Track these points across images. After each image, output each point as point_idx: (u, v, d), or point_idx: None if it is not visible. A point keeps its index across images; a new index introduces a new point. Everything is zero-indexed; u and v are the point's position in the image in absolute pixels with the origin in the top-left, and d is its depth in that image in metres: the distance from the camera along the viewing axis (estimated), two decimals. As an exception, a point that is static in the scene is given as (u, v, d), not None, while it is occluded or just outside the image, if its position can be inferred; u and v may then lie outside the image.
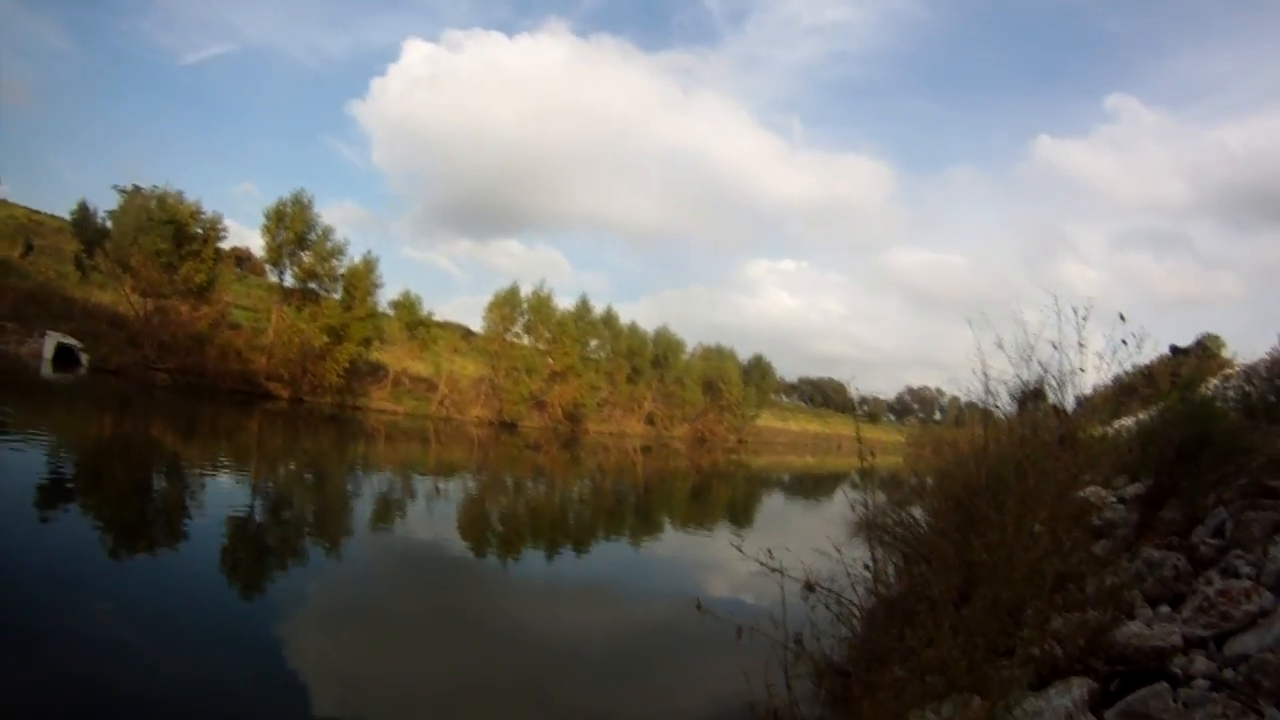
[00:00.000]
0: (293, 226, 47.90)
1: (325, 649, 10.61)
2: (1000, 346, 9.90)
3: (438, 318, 60.84)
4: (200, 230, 45.47)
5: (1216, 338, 50.19)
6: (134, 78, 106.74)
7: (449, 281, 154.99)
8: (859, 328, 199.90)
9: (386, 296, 53.76)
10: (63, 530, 13.65)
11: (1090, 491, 10.08)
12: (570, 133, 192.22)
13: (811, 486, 49.31)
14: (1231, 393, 12.78)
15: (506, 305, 58.97)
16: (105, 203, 49.48)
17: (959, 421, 16.19)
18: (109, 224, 46.59)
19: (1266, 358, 23.81)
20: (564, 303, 63.32)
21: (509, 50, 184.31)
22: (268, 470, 24.94)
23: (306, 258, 48.70)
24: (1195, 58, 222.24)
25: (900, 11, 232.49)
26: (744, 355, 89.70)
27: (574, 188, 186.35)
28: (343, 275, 50.05)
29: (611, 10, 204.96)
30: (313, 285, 49.25)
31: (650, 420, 71.46)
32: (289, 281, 49.18)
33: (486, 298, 60.17)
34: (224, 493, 19.42)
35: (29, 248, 50.04)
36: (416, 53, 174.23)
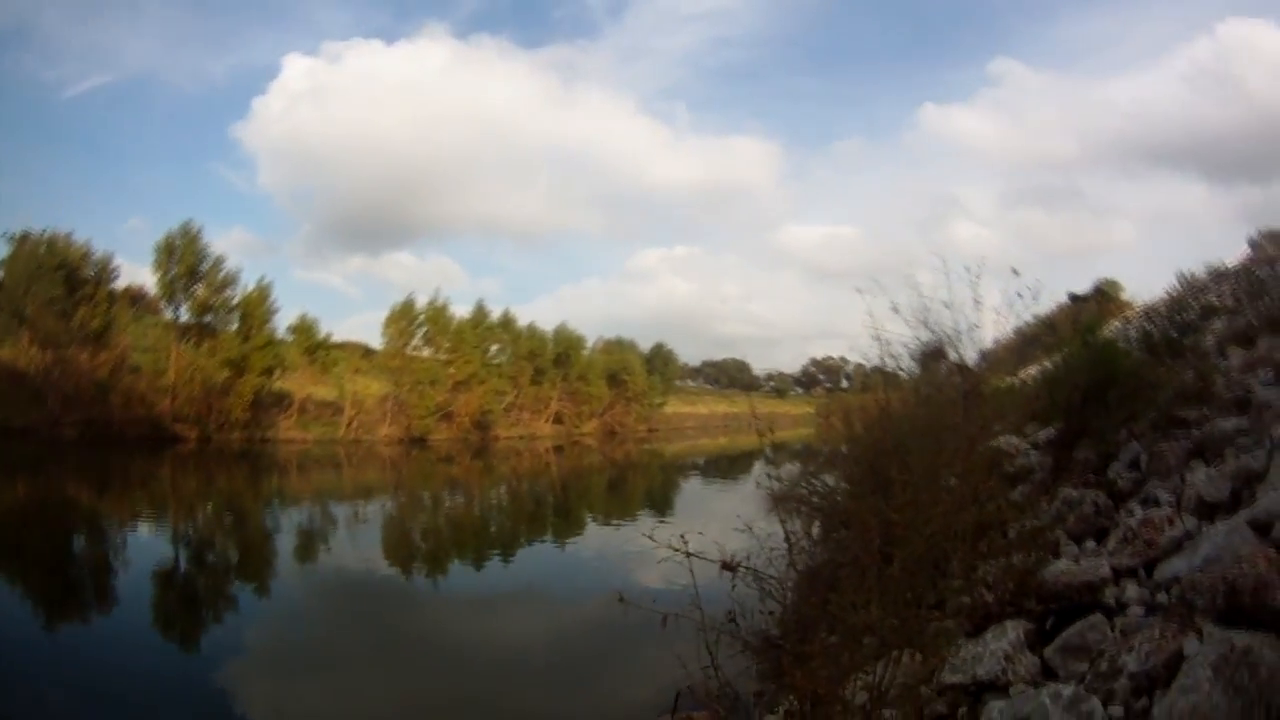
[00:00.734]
0: (184, 260, 46.51)
1: (267, 694, 10.34)
2: (896, 311, 10.01)
3: (336, 338, 59.71)
4: (92, 273, 44.13)
5: (1114, 282, 51.83)
6: (15, 115, 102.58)
7: (344, 300, 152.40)
8: (758, 306, 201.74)
9: (283, 322, 52.77)
10: None
11: (1002, 441, 10.25)
12: (455, 137, 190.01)
13: (726, 466, 49.72)
14: (1133, 333, 13.20)
15: (403, 319, 58.09)
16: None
17: (865, 387, 16.39)
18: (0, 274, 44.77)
19: (1165, 296, 24.69)
20: (461, 311, 62.71)
21: (389, 58, 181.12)
22: (185, 517, 24.31)
23: (200, 290, 47.40)
24: (1076, 19, 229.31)
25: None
26: (645, 345, 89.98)
27: (462, 193, 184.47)
28: (237, 305, 48.85)
29: (490, 10, 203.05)
30: (208, 318, 47.99)
31: (559, 419, 71.16)
32: (184, 317, 47.83)
33: (383, 314, 59.00)
34: (145, 546, 19.02)
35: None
36: (296, 68, 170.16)
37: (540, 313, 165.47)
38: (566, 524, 27.17)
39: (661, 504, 32.89)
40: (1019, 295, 8.31)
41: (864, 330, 10.07)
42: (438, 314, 59.48)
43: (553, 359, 69.77)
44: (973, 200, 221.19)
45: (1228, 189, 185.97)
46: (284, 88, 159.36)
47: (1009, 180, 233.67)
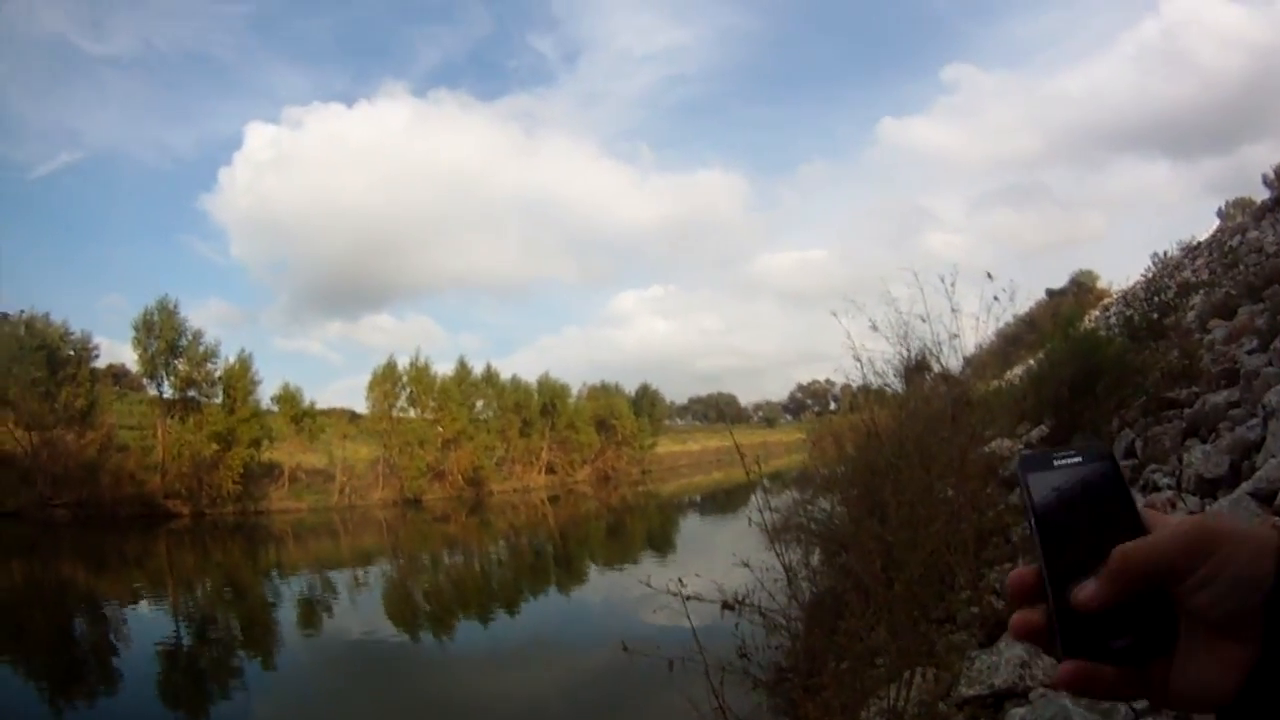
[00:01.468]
0: (163, 335, 46.12)
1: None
2: (875, 328, 9.99)
3: (321, 405, 59.25)
4: (72, 352, 43.79)
5: (1090, 273, 52.42)
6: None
7: (326, 367, 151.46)
8: (738, 338, 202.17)
9: (267, 393, 52.27)
10: None
11: (995, 445, 10.21)
12: (422, 194, 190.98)
13: (723, 500, 49.51)
14: (1114, 319, 13.24)
15: (387, 381, 57.82)
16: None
17: (853, 408, 16.33)
18: (-20, 358, 44.33)
19: (1142, 278, 24.86)
20: (443, 369, 62.40)
21: (350, 120, 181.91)
22: (185, 593, 24.09)
23: (181, 365, 46.85)
24: (1023, 18, 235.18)
25: (730, 27, 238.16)
26: (630, 388, 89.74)
27: (435, 250, 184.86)
28: (220, 378, 48.39)
29: (446, 65, 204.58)
30: (192, 393, 47.43)
31: (551, 469, 70.76)
32: (168, 393, 47.33)
33: (366, 378, 58.71)
34: (147, 624, 18.89)
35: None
36: (258, 137, 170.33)
37: (522, 365, 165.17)
38: (568, 574, 27.02)
39: (661, 544, 32.77)
40: (996, 298, 8.31)
41: (846, 351, 10.05)
42: (420, 374, 59.26)
43: (539, 409, 69.49)
44: (941, 208, 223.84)
45: (1191, 164, 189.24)
46: (248, 157, 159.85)
47: (975, 184, 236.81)
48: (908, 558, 5.30)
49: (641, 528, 41.73)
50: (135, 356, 47.45)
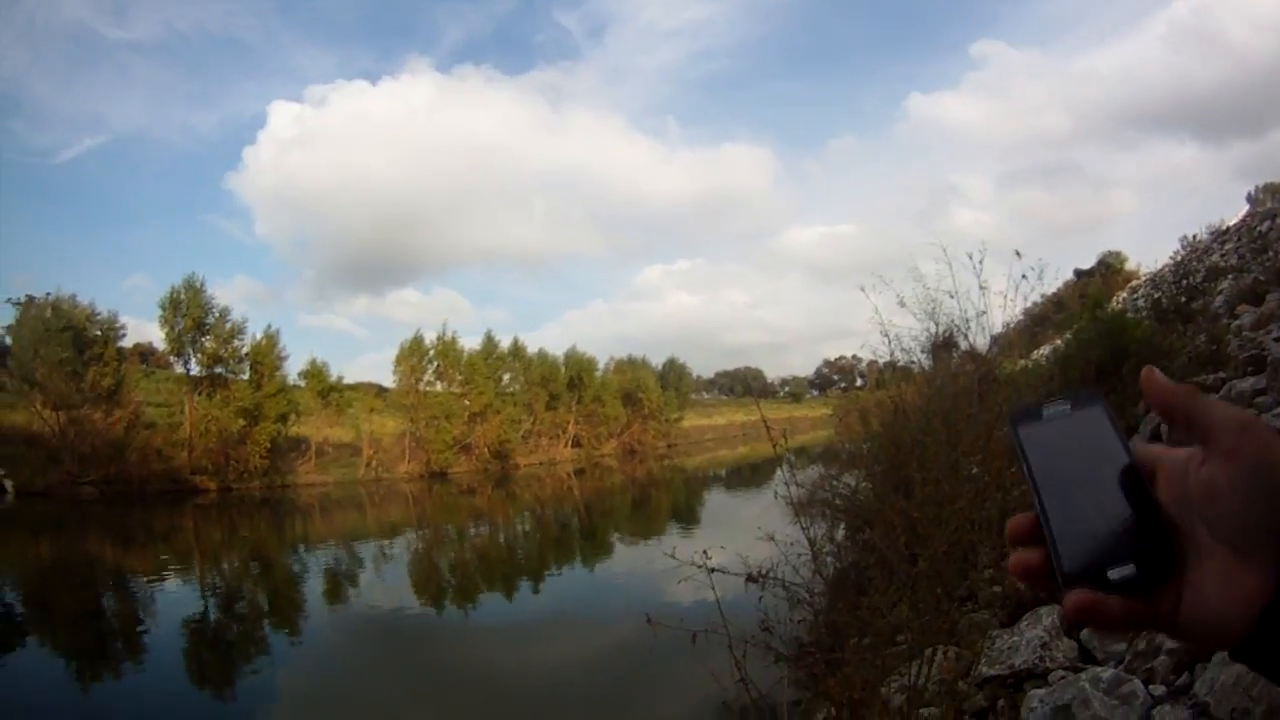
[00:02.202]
0: (189, 313, 46.33)
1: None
2: (902, 304, 9.97)
3: (348, 380, 59.41)
4: (99, 333, 44.12)
5: (1118, 254, 51.90)
6: (11, 183, 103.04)
7: (353, 342, 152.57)
8: (766, 312, 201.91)
9: (294, 368, 52.54)
10: (21, 666, 13.38)
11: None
12: (448, 169, 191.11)
13: (748, 475, 49.52)
14: (1141, 301, 13.13)
15: (414, 355, 57.96)
16: (-1, 318, 47.24)
17: (879, 384, 16.29)
18: (7, 340, 45.14)
19: (1170, 261, 24.60)
20: (469, 343, 62.50)
21: (374, 97, 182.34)
22: (212, 567, 24.33)
23: (208, 343, 47.06)
24: None
25: (756, 1, 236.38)
26: (657, 361, 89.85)
27: (461, 225, 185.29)
28: (247, 354, 48.54)
29: (470, 41, 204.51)
30: (219, 369, 47.65)
31: (577, 442, 70.88)
32: (195, 370, 47.51)
33: (393, 352, 58.93)
34: (174, 598, 19.03)
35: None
36: (283, 115, 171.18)
37: (549, 339, 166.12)
38: (593, 547, 27.11)
39: (686, 518, 32.80)
40: (1024, 276, 8.26)
41: (873, 327, 10.03)
42: (448, 348, 59.38)
43: (566, 383, 69.57)
44: (970, 186, 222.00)
45: (1220, 147, 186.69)
46: (272, 136, 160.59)
47: (1004, 162, 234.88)
48: (932, 535, 5.29)
49: (667, 501, 41.82)
50: (162, 335, 47.81)
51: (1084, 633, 4.51)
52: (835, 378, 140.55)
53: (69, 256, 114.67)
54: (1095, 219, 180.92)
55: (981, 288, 8.95)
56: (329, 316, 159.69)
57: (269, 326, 51.61)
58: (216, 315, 47.74)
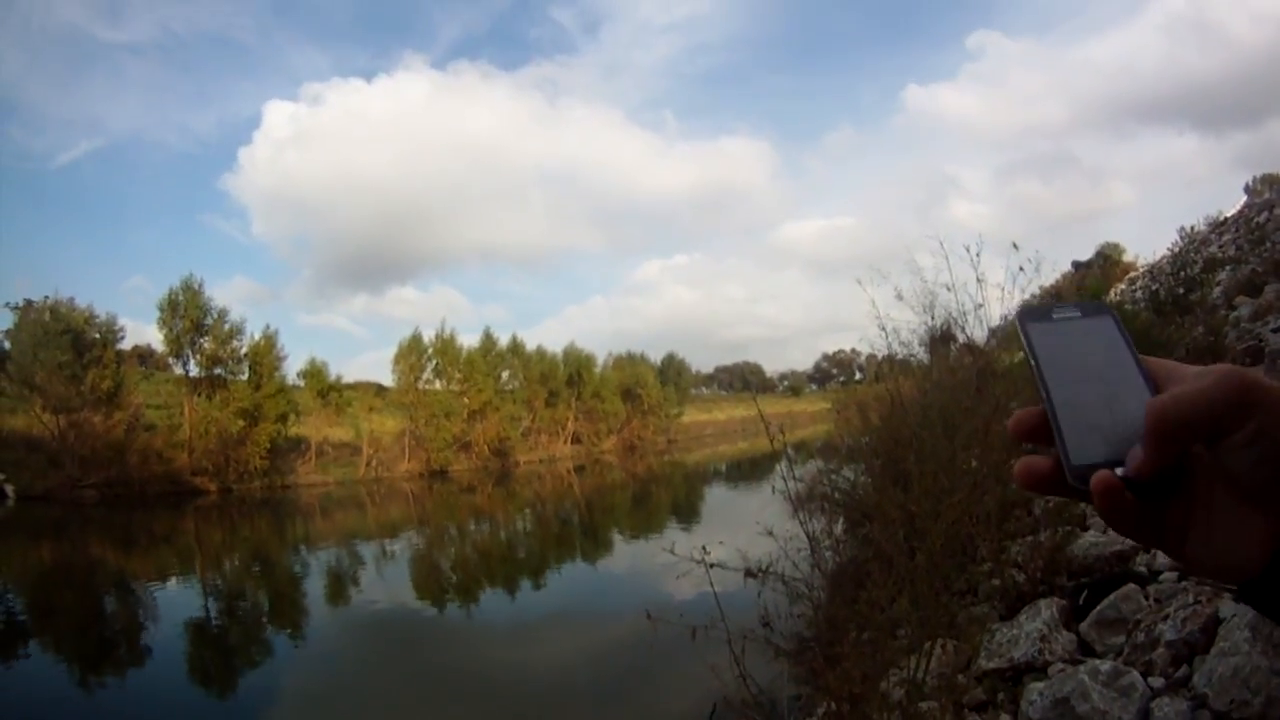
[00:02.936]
0: (188, 314, 46.25)
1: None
2: (900, 298, 9.98)
3: (347, 379, 59.26)
4: (98, 335, 44.08)
5: (1116, 245, 51.89)
6: (9, 188, 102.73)
7: (351, 341, 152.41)
8: (764, 307, 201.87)
9: (293, 368, 52.57)
10: (24, 670, 13.41)
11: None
12: (445, 166, 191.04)
13: (748, 469, 49.57)
14: (1139, 293, 13.14)
15: (412, 354, 57.98)
16: (-2, 322, 47.43)
17: (878, 377, 16.31)
18: (6, 344, 45.09)
19: (1168, 253, 24.62)
20: (469, 340, 62.55)
21: (370, 95, 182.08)
22: (214, 568, 24.33)
23: (207, 344, 47.00)
24: None
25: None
26: (656, 357, 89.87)
27: (459, 222, 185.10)
28: (246, 355, 48.53)
29: (466, 37, 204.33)
30: (218, 370, 47.61)
31: (577, 439, 70.90)
32: (194, 371, 47.48)
33: (392, 350, 58.95)
34: (176, 600, 19.12)
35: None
36: (278, 114, 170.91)
37: (547, 335, 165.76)
38: (593, 543, 27.15)
39: (686, 513, 32.86)
40: (1021, 269, 8.27)
41: (871, 321, 10.03)
42: (446, 346, 59.39)
43: (565, 380, 69.62)
44: (968, 178, 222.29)
45: (1219, 138, 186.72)
46: (268, 135, 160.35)
47: (1002, 153, 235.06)
48: (930, 528, 5.29)
49: (667, 497, 41.86)
50: (161, 336, 47.80)
51: (1083, 625, 4.50)
52: (834, 372, 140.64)
53: (67, 260, 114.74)
54: (1093, 210, 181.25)
55: (979, 280, 8.96)
56: (327, 315, 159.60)
57: (267, 326, 51.68)
58: (215, 316, 47.71)
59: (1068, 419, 0.69)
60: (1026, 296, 9.10)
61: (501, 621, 16.59)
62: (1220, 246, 20.63)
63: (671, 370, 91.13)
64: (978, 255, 8.76)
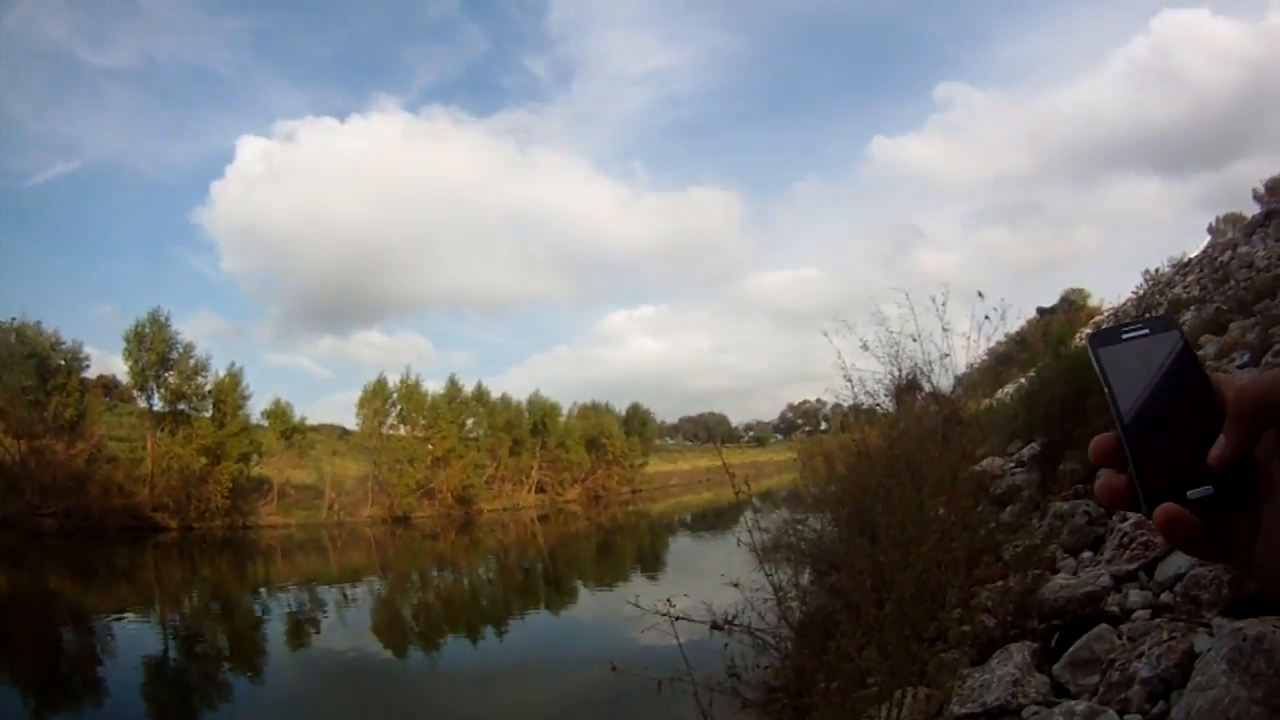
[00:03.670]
0: (153, 347, 46.03)
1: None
2: (865, 348, 10.04)
3: (311, 421, 59.05)
4: (63, 362, 43.81)
5: (1081, 291, 52.87)
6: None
7: (316, 382, 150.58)
8: (729, 358, 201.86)
9: (257, 408, 52.36)
10: None
11: (987, 463, 10.22)
12: (415, 210, 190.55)
13: (713, 520, 49.48)
14: (1088, 330, 13.35)
15: (377, 398, 57.80)
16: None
17: (844, 427, 16.39)
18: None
19: (1133, 296, 25.02)
20: (434, 386, 62.39)
21: (343, 134, 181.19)
22: (172, 607, 24.00)
23: (171, 378, 46.84)
24: (1014, 37, 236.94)
25: (720, 49, 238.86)
26: (620, 407, 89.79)
27: (427, 266, 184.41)
28: (210, 392, 48.32)
29: (440, 82, 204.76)
30: (182, 406, 47.30)
31: (541, 488, 70.58)
32: (158, 405, 47.17)
33: (356, 394, 58.72)
34: (135, 637, 18.91)
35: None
36: (250, 150, 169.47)
37: (512, 384, 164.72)
38: (557, 593, 26.96)
39: (651, 564, 32.74)
40: (987, 317, 8.34)
41: (837, 371, 10.07)
42: (411, 391, 59.21)
43: (530, 428, 69.44)
44: (935, 227, 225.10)
45: (1182, 180, 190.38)
46: (240, 171, 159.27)
47: (968, 203, 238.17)
48: (898, 577, 5.29)
49: (631, 547, 41.73)
50: (126, 368, 47.59)
51: (1056, 667, 4.49)
52: (800, 421, 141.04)
53: (35, 282, 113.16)
54: (1060, 256, 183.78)
55: (945, 329, 9.03)
56: (293, 356, 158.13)
57: (232, 364, 51.42)
58: (180, 351, 47.72)
59: (1139, 444, 0.73)
60: (992, 344, 9.18)
61: (464, 671, 16.41)
62: (1185, 287, 20.98)
63: (636, 420, 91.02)
64: (943, 305, 8.85)
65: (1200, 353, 9.60)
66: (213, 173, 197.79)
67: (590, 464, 77.15)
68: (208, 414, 48.10)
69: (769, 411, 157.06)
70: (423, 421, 59.13)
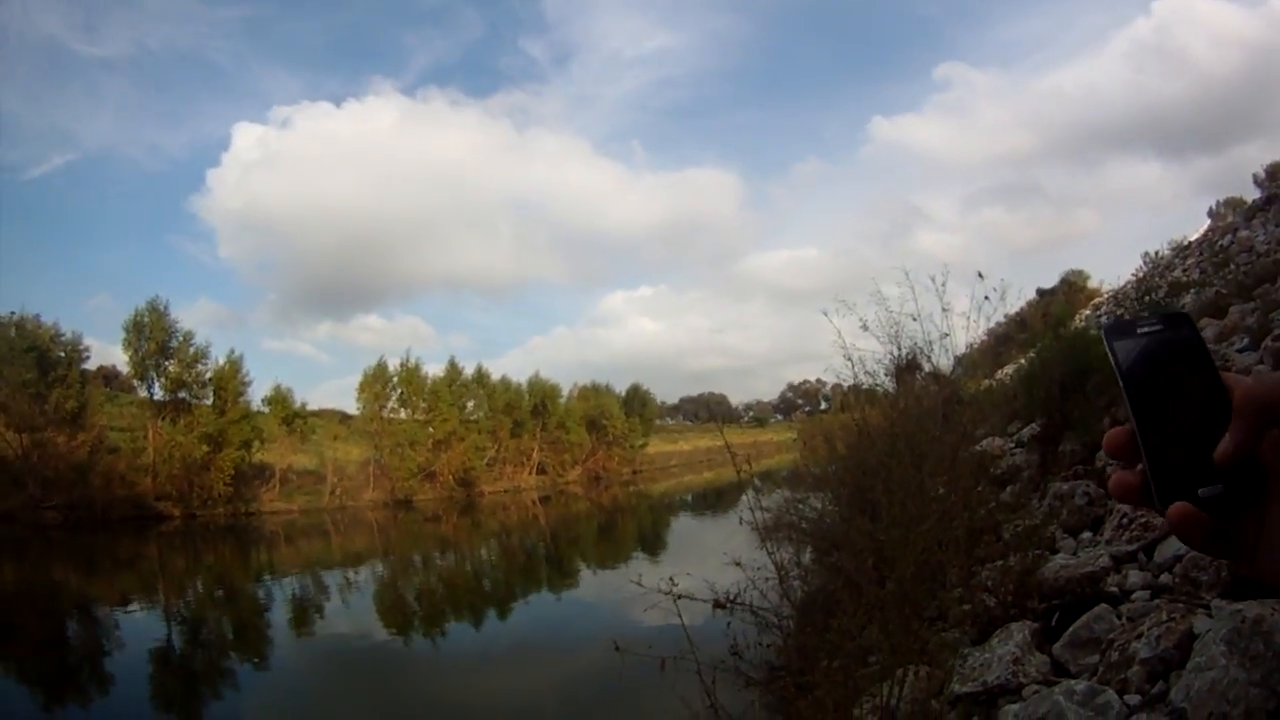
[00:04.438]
0: (153, 337, 45.89)
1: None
2: (865, 328, 10.03)
3: (312, 406, 58.82)
4: (63, 354, 43.69)
5: (1080, 272, 52.73)
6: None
7: (316, 367, 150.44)
8: (729, 338, 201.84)
9: (258, 394, 52.16)
10: None
11: (987, 443, 10.23)
12: (412, 193, 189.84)
13: (714, 500, 49.56)
14: (1105, 319, 13.28)
15: (377, 382, 57.68)
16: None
17: (844, 407, 16.37)
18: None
19: (1133, 278, 25.01)
20: (434, 369, 62.23)
21: (338, 119, 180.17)
22: (177, 595, 24.01)
23: (172, 367, 46.68)
24: (1016, 17, 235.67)
25: (718, 30, 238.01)
26: (621, 388, 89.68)
27: (425, 249, 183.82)
28: (210, 379, 48.15)
29: (436, 65, 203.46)
30: (183, 394, 47.19)
31: (542, 469, 70.56)
32: (158, 394, 47.05)
33: (356, 378, 58.57)
34: (139, 627, 18.82)
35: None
36: (246, 137, 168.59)
37: (512, 365, 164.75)
38: (560, 574, 27.00)
39: (653, 544, 32.78)
40: (987, 297, 8.35)
41: (837, 351, 10.07)
42: (411, 374, 59.09)
43: (530, 410, 69.36)
44: (934, 207, 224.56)
45: (1183, 163, 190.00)
46: (236, 158, 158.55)
47: (968, 183, 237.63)
48: (899, 556, 5.30)
49: (633, 527, 41.76)
50: (126, 358, 47.42)
51: (1057, 646, 4.51)
52: (800, 401, 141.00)
53: (33, 275, 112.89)
54: (1059, 237, 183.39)
55: (944, 309, 9.04)
56: (292, 341, 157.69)
57: (232, 351, 51.27)
58: (180, 339, 47.45)
59: (1151, 440, 0.75)
60: (991, 324, 9.18)
61: (467, 652, 16.44)
62: (1184, 270, 20.96)
63: (636, 401, 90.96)
64: (943, 285, 8.86)
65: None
66: (209, 161, 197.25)
67: (591, 445, 77.13)
68: (208, 402, 47.95)
69: (769, 391, 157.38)
70: (423, 405, 59.04)
